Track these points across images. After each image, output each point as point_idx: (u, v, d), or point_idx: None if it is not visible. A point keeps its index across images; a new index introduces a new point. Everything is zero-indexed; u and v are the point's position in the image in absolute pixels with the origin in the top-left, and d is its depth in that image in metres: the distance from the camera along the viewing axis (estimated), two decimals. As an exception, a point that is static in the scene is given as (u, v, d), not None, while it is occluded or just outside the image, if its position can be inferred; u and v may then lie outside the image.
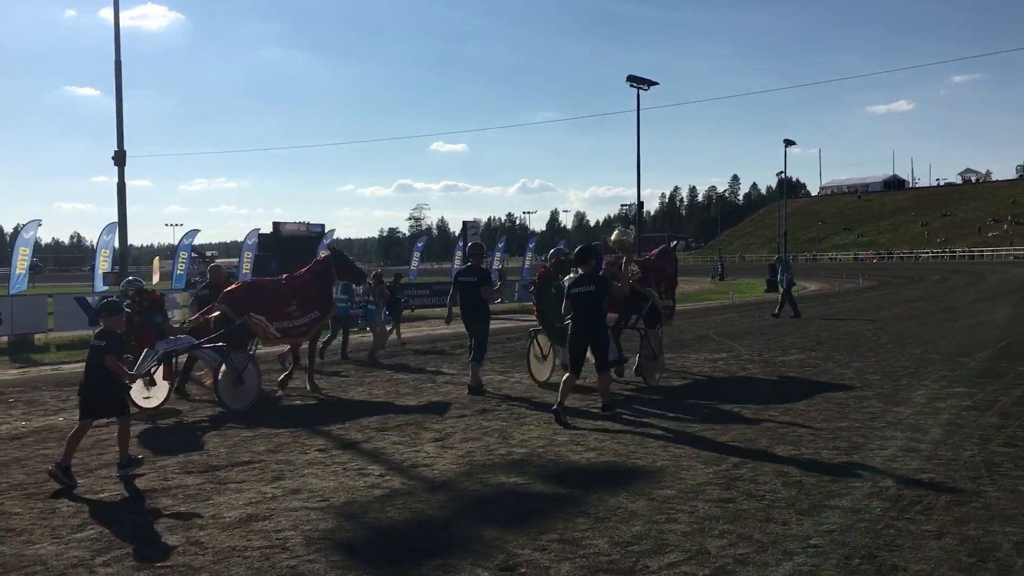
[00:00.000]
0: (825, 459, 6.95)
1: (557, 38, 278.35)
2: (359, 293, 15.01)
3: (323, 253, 11.86)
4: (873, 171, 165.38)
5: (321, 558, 4.81)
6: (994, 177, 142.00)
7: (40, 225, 23.46)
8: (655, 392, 10.77)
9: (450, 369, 13.48)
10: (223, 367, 9.90)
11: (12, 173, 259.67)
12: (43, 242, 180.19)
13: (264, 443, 8.00)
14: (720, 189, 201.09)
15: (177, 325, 12.25)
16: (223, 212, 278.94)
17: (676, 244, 15.71)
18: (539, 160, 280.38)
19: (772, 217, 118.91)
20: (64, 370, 14.34)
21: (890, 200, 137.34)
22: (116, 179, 22.84)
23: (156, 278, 49.85)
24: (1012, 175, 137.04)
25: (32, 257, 22.87)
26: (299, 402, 10.64)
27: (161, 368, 10.04)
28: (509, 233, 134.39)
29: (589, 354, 9.35)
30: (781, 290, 24.05)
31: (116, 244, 24.43)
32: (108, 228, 24.68)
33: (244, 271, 30.39)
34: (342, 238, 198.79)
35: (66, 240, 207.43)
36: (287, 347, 11.77)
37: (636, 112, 36.92)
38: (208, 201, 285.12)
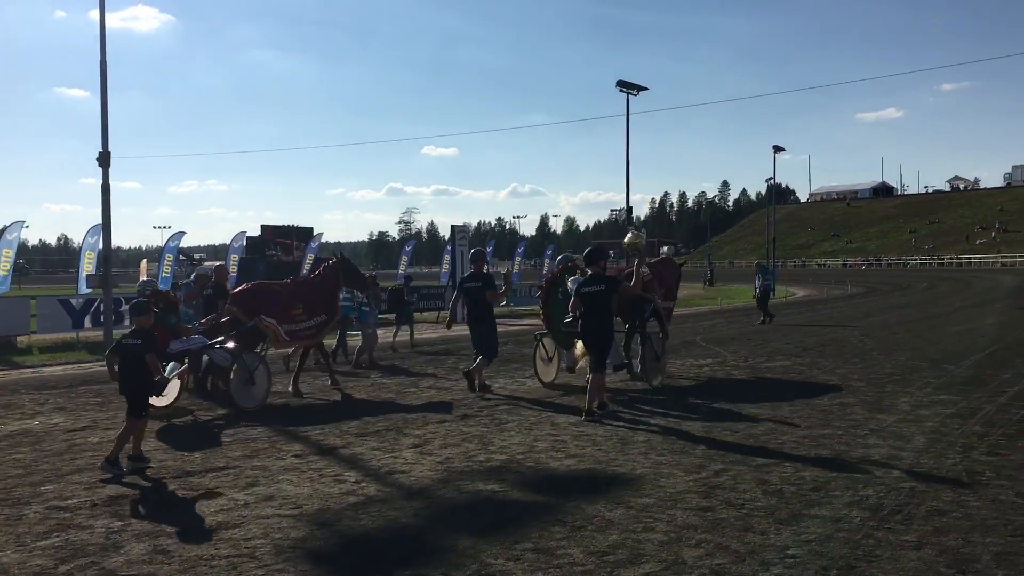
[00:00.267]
0: (806, 467, 6.88)
1: (548, 42, 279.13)
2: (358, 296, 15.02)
3: (332, 259, 12.18)
4: (862, 178, 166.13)
5: (290, 567, 4.71)
6: (982, 184, 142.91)
7: (26, 226, 23.27)
8: (638, 399, 10.69)
9: (436, 373, 13.38)
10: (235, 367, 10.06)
11: (0, 174, 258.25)
12: (30, 244, 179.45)
13: (241, 448, 7.89)
14: (710, 195, 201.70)
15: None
16: (213, 214, 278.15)
17: (665, 250, 15.83)
18: (530, 165, 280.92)
19: (762, 223, 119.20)
20: (45, 373, 14.19)
21: (879, 207, 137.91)
22: (107, 181, 22.69)
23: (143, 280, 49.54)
24: (1000, 183, 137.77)
25: (19, 259, 22.67)
26: (280, 401, 10.56)
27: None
28: (499, 238, 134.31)
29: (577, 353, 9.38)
30: (755, 295, 24.20)
31: (101, 246, 24.24)
32: (93, 230, 24.44)
33: (232, 273, 30.17)
34: (331, 241, 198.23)
35: (53, 242, 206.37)
36: (291, 350, 12.10)
37: (626, 117, 36.96)
38: (198, 203, 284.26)
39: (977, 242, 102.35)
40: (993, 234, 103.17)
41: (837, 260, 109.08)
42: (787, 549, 4.91)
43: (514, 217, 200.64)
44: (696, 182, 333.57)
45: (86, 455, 7.70)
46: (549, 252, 45.54)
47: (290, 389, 11.18)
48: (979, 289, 43.11)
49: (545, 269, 37.72)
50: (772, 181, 54.60)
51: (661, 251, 15.35)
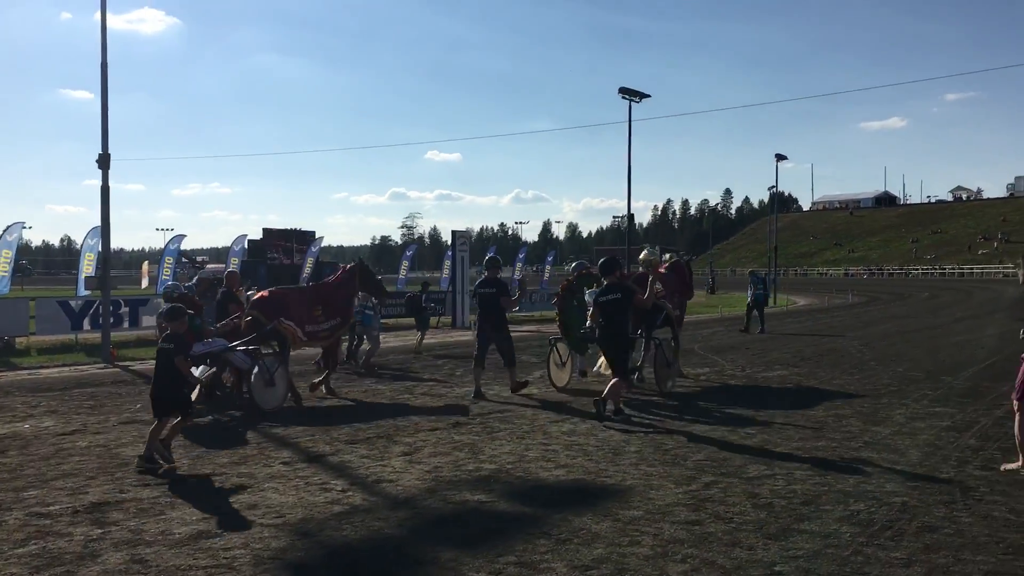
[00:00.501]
0: (798, 480, 6.81)
1: (552, 49, 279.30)
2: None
3: (350, 264, 12.59)
4: (865, 187, 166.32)
5: (268, 579, 4.64)
6: (985, 195, 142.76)
7: (27, 227, 23.32)
8: (635, 408, 10.60)
9: (433, 378, 13.32)
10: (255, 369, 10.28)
11: (5, 175, 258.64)
12: (33, 245, 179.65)
13: (229, 455, 7.82)
14: (713, 202, 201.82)
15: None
16: (216, 217, 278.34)
17: (666, 257, 16.02)
18: (533, 171, 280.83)
19: (764, 231, 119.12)
20: (42, 375, 14.15)
21: (881, 216, 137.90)
22: (106, 183, 22.65)
23: (145, 283, 49.44)
24: (1003, 193, 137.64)
25: (21, 260, 22.67)
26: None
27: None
28: (501, 243, 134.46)
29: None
30: (747, 303, 24.37)
31: (100, 248, 24.21)
32: (92, 232, 24.41)
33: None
34: (333, 245, 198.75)
35: (56, 243, 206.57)
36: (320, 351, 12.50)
37: (628, 124, 36.93)
38: (201, 206, 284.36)
39: (979, 252, 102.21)
40: (995, 244, 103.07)
41: (839, 269, 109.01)
42: (774, 565, 4.84)
43: (516, 223, 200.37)
44: (699, 190, 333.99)
45: (73, 459, 7.64)
46: (550, 258, 45.53)
47: (324, 390, 11.66)
48: (980, 300, 43.01)
49: (546, 275, 37.93)
50: (774, 189, 54.59)
51: (663, 257, 15.46)
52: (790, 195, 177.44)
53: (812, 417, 9.76)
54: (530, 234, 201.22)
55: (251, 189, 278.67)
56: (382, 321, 17.20)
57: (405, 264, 38.29)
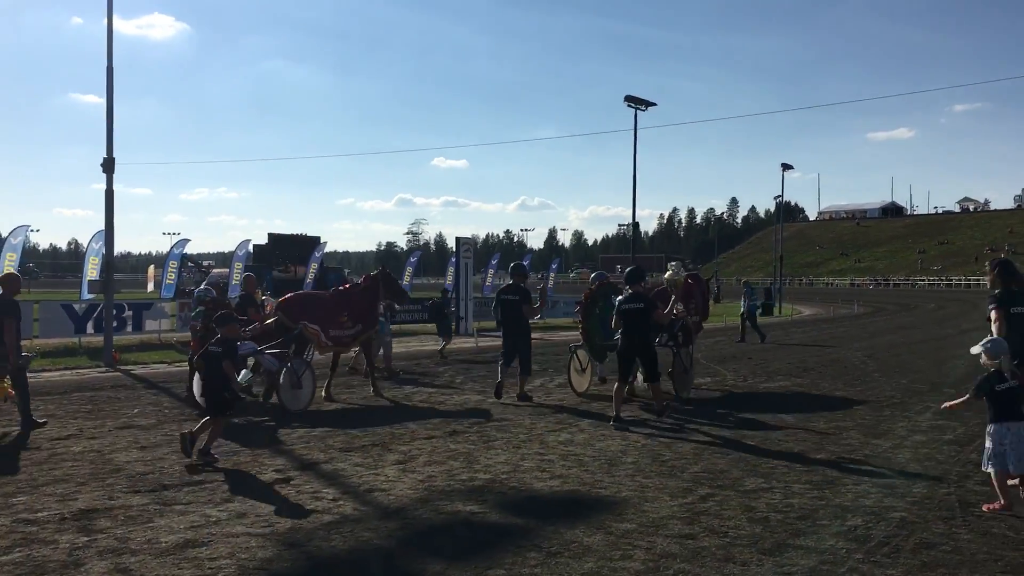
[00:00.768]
0: (795, 493, 6.71)
1: (559, 57, 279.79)
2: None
3: (374, 272, 13.07)
4: (871, 197, 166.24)
5: (253, 590, 4.57)
6: (992, 206, 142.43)
7: (33, 230, 23.41)
8: (631, 420, 10.52)
9: (431, 386, 13.26)
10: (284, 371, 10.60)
11: (14, 178, 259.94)
12: (41, 248, 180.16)
13: (222, 461, 7.75)
14: (719, 211, 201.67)
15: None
16: (223, 222, 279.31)
17: (672, 265, 16.11)
18: (540, 178, 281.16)
19: (770, 240, 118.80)
20: (41, 378, 14.10)
21: (888, 227, 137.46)
22: (110, 187, 22.64)
23: (150, 287, 49.50)
24: (1010, 204, 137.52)
25: (29, 263, 22.69)
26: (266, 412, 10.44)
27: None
28: (506, 250, 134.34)
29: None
30: (741, 313, 24.86)
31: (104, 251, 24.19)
32: (97, 236, 24.39)
33: (234, 282, 30.05)
34: (339, 251, 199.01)
35: (64, 246, 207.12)
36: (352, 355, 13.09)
37: (633, 132, 36.90)
38: (208, 210, 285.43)
39: (986, 264, 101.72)
40: (1003, 256, 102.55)
41: (845, 279, 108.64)
42: (767, 581, 4.75)
43: (522, 230, 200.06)
44: (705, 198, 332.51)
45: (65, 465, 7.59)
46: (554, 265, 45.45)
47: (371, 391, 12.15)
48: (986, 311, 42.70)
49: (550, 283, 37.82)
50: (781, 199, 54.47)
51: (669, 266, 15.59)
52: (796, 205, 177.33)
53: (812, 429, 9.66)
54: (535, 241, 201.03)
55: (258, 194, 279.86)
56: (399, 326, 17.55)
57: (409, 270, 38.23)
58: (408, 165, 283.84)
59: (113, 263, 18.92)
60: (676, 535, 5.59)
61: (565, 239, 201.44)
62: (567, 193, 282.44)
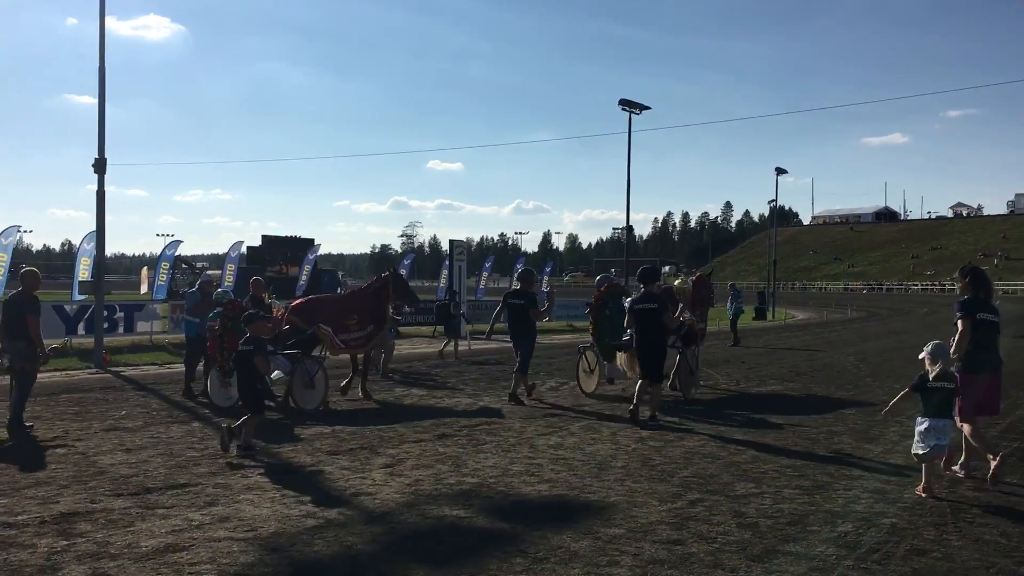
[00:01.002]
0: (785, 499, 6.66)
1: (554, 60, 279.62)
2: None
3: (384, 273, 13.16)
4: (865, 202, 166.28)
5: (232, 596, 4.50)
6: (985, 211, 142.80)
7: (25, 231, 23.37)
8: (623, 422, 10.46)
9: (422, 388, 13.18)
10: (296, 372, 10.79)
11: (7, 179, 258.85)
12: (34, 249, 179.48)
13: (208, 464, 7.67)
14: (713, 215, 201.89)
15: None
16: (217, 223, 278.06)
17: (668, 270, 16.31)
18: (535, 182, 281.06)
19: (763, 245, 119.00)
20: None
21: (881, 232, 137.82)
22: (105, 188, 22.51)
23: (144, 288, 49.29)
24: (1003, 210, 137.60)
25: (20, 263, 22.50)
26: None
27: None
28: (500, 253, 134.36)
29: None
30: (728, 318, 25.28)
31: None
32: (89, 236, 24.27)
33: (227, 283, 29.93)
34: (334, 253, 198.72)
35: (57, 247, 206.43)
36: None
37: (627, 136, 36.89)
38: (202, 212, 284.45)
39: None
40: (996, 261, 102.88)
41: (838, 284, 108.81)
42: (755, 588, 4.69)
43: (517, 233, 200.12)
44: (699, 202, 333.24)
45: (49, 467, 7.50)
46: (548, 269, 45.41)
47: (360, 394, 12.07)
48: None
49: (545, 286, 37.81)
50: (775, 203, 54.49)
51: (677, 274, 16.07)
52: (790, 209, 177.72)
53: (804, 434, 9.61)
54: (530, 245, 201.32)
55: (253, 196, 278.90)
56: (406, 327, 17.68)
57: (403, 272, 38.17)
58: (403, 168, 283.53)
59: (104, 264, 18.82)
60: (664, 541, 5.52)
61: (559, 243, 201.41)
62: (562, 197, 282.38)
